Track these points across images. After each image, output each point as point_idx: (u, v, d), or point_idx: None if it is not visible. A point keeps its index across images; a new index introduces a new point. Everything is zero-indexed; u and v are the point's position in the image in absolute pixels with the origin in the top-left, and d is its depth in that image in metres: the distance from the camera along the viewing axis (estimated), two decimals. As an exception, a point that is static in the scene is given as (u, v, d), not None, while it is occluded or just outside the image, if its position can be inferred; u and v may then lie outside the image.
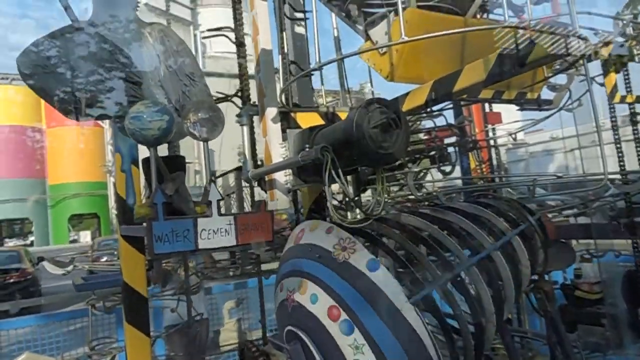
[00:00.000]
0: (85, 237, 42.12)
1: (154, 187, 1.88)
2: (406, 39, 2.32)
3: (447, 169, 4.78)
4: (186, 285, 4.34)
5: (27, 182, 39.39)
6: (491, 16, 5.99)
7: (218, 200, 1.93)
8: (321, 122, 3.53)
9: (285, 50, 3.53)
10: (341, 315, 2.03)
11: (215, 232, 1.92)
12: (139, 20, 2.34)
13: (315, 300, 2.17)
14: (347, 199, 3.22)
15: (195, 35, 27.96)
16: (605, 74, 4.03)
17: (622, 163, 4.10)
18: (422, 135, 4.98)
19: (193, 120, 1.94)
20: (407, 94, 3.20)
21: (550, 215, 5.00)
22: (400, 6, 2.28)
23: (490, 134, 5.87)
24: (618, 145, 4.20)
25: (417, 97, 3.10)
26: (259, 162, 3.50)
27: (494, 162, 5.78)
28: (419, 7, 2.94)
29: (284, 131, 3.36)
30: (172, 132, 1.88)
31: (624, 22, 3.65)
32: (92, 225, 43.37)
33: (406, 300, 2.03)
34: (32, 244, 37.61)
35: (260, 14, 3.40)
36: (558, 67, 3.50)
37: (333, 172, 2.36)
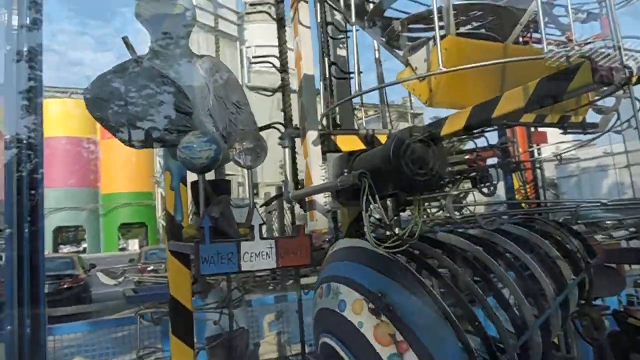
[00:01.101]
0: (134, 245, 43.76)
1: (202, 211, 2.02)
2: (443, 69, 2.38)
3: (490, 189, 4.73)
4: (228, 298, 4.50)
5: (81, 191, 41.54)
6: (535, 35, 5.92)
7: (260, 225, 2.04)
8: (360, 144, 3.62)
9: (327, 75, 3.66)
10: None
11: (257, 255, 2.03)
12: (191, 53, 2.53)
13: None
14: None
15: (241, 51, 28.79)
16: None
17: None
18: (463, 156, 4.95)
19: (239, 150, 2.07)
20: (446, 118, 3.24)
21: (599, 239, 4.84)
22: (437, 35, 2.34)
23: (536, 154, 5.76)
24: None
25: (456, 122, 3.13)
26: (300, 184, 3.62)
27: (539, 182, 5.66)
28: (458, 34, 2.98)
29: (324, 153, 3.47)
30: (220, 160, 2.02)
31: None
32: (140, 234, 45.07)
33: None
34: (84, 251, 39.52)
35: (304, 40, 3.55)
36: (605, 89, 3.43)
37: (370, 198, 2.43)
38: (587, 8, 6.65)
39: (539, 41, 6.92)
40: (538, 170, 5.49)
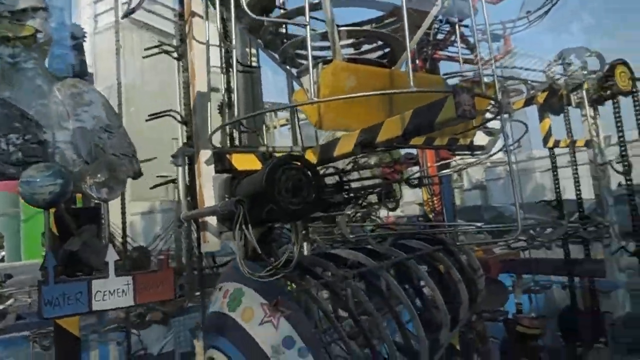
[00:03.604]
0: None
1: (47, 248, 1.89)
2: (315, 100, 2.39)
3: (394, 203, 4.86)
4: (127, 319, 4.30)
5: (1, 195, 38.25)
6: (442, 52, 6.14)
7: (115, 261, 1.94)
8: (257, 164, 3.56)
9: (222, 92, 3.58)
10: None
11: (112, 293, 1.92)
12: (50, 78, 2.36)
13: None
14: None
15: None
16: (541, 119, 4.17)
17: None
18: (374, 170, 5.06)
19: (89, 184, 1.96)
20: (339, 139, 3.27)
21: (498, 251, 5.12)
22: (311, 69, 2.34)
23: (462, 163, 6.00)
24: (557, 189, 4.36)
25: (345, 144, 3.17)
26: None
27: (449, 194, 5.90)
28: (345, 59, 3.02)
29: (218, 172, 3.39)
30: (67, 194, 1.89)
31: (552, 74, 3.81)
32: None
33: None
34: (2, 260, 36.34)
35: (198, 57, 3.44)
36: (489, 114, 3.62)
37: (243, 227, 2.39)
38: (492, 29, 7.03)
39: (449, 58, 7.24)
40: (447, 184, 5.72)
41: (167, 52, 3.94)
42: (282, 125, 14.66)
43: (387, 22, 3.51)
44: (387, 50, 3.35)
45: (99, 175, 1.97)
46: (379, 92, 2.50)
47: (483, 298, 3.72)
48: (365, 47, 3.42)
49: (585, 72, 3.92)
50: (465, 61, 6.86)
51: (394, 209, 4.51)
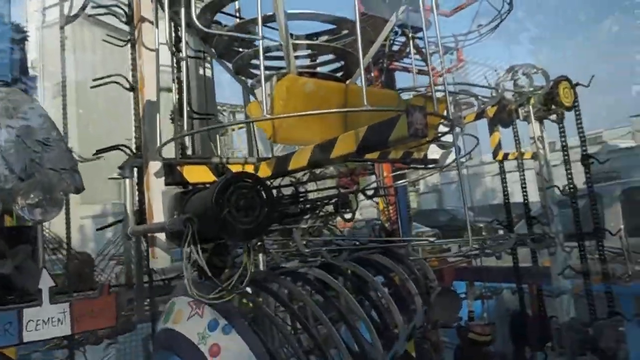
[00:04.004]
0: None
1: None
2: (268, 116, 2.34)
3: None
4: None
5: None
6: (397, 63, 6.21)
7: (50, 288, 1.81)
8: (210, 176, 3.47)
9: (174, 101, 3.46)
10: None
11: (46, 322, 1.80)
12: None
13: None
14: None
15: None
16: (490, 133, 4.30)
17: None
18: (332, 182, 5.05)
19: (21, 205, 1.82)
20: (293, 153, 3.23)
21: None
22: (264, 84, 2.29)
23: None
24: (507, 200, 4.51)
25: (300, 159, 3.13)
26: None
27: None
28: (300, 73, 2.98)
29: (168, 185, 3.27)
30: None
31: (500, 90, 3.93)
32: None
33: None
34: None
35: (147, 63, 3.31)
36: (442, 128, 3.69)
37: (192, 247, 2.31)
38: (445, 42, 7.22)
39: (404, 69, 7.37)
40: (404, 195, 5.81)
41: (118, 83, 3.75)
42: (240, 128, 14.51)
43: (343, 35, 3.51)
44: (342, 62, 3.34)
45: (32, 196, 1.83)
46: (332, 111, 2.48)
47: (438, 308, 3.79)
48: (322, 58, 3.41)
49: (532, 89, 4.08)
50: (420, 72, 7.01)
51: (350, 220, 4.51)
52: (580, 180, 4.61)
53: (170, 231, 2.51)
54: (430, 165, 3.74)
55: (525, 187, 4.68)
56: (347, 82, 3.29)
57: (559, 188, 4.23)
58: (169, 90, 3.86)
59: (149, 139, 3.21)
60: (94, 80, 3.32)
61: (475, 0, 7.26)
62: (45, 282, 1.82)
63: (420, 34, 6.66)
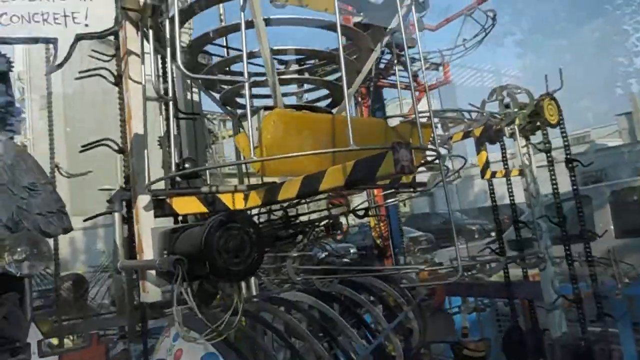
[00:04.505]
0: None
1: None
2: (255, 158, 2.36)
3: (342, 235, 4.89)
4: None
5: None
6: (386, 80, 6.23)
7: (39, 341, 1.80)
8: (201, 207, 3.46)
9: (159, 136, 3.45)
10: None
11: (35, 377, 1.78)
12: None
13: None
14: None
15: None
16: (478, 152, 4.34)
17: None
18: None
19: (8, 260, 1.81)
20: (282, 184, 3.24)
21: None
22: (250, 121, 2.30)
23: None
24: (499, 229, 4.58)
25: (289, 189, 3.13)
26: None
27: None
28: (287, 106, 3.00)
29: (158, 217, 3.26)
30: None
31: (485, 113, 3.98)
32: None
33: None
34: None
35: (134, 97, 3.31)
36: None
37: (182, 289, 2.31)
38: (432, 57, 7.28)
39: (391, 85, 7.41)
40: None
41: (103, 77, 3.75)
42: (230, 136, 14.50)
43: (329, 64, 3.54)
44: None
45: (18, 250, 1.82)
46: (317, 152, 2.51)
47: (431, 330, 3.81)
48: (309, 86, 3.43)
49: (516, 109, 4.14)
50: (406, 87, 7.07)
51: (340, 241, 4.53)
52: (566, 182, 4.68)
53: (160, 270, 2.50)
54: (419, 189, 3.76)
55: (514, 202, 4.73)
56: (334, 110, 3.31)
57: (549, 218, 4.28)
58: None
59: (137, 172, 3.20)
60: (80, 72, 3.30)
61: (460, 15, 7.36)
62: (34, 336, 1.81)
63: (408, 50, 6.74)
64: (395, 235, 6.10)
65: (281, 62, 3.30)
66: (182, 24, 3.00)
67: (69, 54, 2.03)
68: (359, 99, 6.52)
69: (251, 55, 2.84)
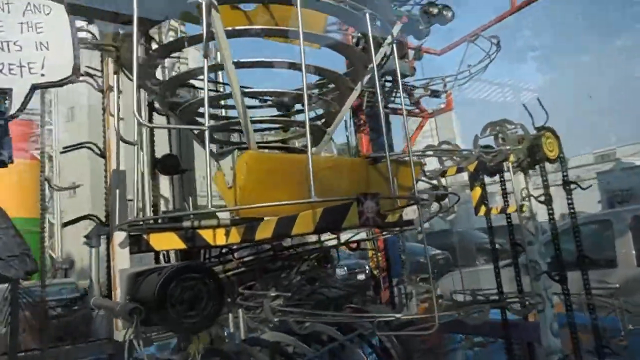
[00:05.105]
0: (16, 275, 39.16)
1: None
2: (230, 207, 2.30)
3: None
4: None
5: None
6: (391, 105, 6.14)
7: None
8: (180, 243, 3.42)
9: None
10: None
11: None
12: None
13: None
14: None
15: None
16: (472, 187, 4.20)
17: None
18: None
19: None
20: (259, 223, 3.18)
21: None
22: (208, 173, 2.25)
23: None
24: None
25: (265, 230, 3.08)
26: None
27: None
28: (261, 146, 2.95)
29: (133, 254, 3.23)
30: None
31: (474, 152, 3.85)
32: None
33: None
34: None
35: (113, 134, 3.31)
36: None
37: (134, 341, 2.25)
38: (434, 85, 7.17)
39: (393, 111, 7.30)
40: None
41: (90, 149, 3.76)
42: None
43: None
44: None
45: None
46: (283, 203, 2.43)
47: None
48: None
49: (509, 147, 3.99)
50: (409, 114, 6.97)
51: (331, 275, 4.43)
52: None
53: (118, 317, 2.46)
54: (405, 227, 3.65)
55: (515, 240, 4.55)
56: (314, 150, 3.25)
57: (549, 274, 4.09)
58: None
59: (113, 211, 3.18)
60: (64, 148, 3.32)
61: (463, 41, 7.24)
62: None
63: (407, 80, 6.67)
64: (394, 266, 5.92)
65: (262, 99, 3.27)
66: (154, 66, 3.00)
67: (25, 104, 2.01)
68: (359, 126, 6.44)
69: (226, 96, 2.81)
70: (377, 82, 2.52)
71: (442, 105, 7.54)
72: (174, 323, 2.20)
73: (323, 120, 3.35)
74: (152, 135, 3.49)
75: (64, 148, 3.67)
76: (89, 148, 3.63)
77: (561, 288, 4.15)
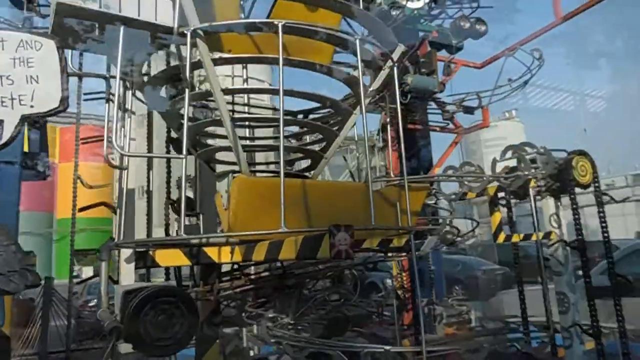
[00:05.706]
0: (88, 272, 42.04)
1: None
2: (225, 232, 2.34)
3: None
4: None
5: (35, 216, 39.63)
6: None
7: None
8: (184, 260, 3.51)
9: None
10: None
11: None
12: None
13: None
14: None
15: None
16: (491, 212, 3.98)
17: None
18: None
19: None
20: (254, 246, 3.21)
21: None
22: (183, 206, 2.30)
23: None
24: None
25: (259, 252, 3.10)
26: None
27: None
28: (253, 171, 2.98)
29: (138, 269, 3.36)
30: None
31: (486, 178, 3.64)
32: (95, 261, 43.41)
33: None
34: (34, 279, 37.38)
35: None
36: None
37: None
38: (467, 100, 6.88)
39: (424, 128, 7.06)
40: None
41: (106, 205, 4.01)
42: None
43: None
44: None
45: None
46: (267, 232, 2.44)
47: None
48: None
49: (527, 172, 3.73)
50: (442, 130, 6.72)
51: (349, 298, 4.37)
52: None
53: (107, 332, 2.56)
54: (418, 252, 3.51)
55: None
56: (311, 174, 3.23)
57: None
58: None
59: (120, 227, 3.34)
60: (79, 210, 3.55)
61: (502, 55, 6.87)
62: None
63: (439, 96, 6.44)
64: (424, 284, 5.62)
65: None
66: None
67: (16, 134, 2.17)
68: (389, 144, 6.28)
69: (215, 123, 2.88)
70: (386, 102, 2.46)
71: (477, 123, 7.21)
72: (143, 345, 2.25)
73: (324, 144, 3.32)
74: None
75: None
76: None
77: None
